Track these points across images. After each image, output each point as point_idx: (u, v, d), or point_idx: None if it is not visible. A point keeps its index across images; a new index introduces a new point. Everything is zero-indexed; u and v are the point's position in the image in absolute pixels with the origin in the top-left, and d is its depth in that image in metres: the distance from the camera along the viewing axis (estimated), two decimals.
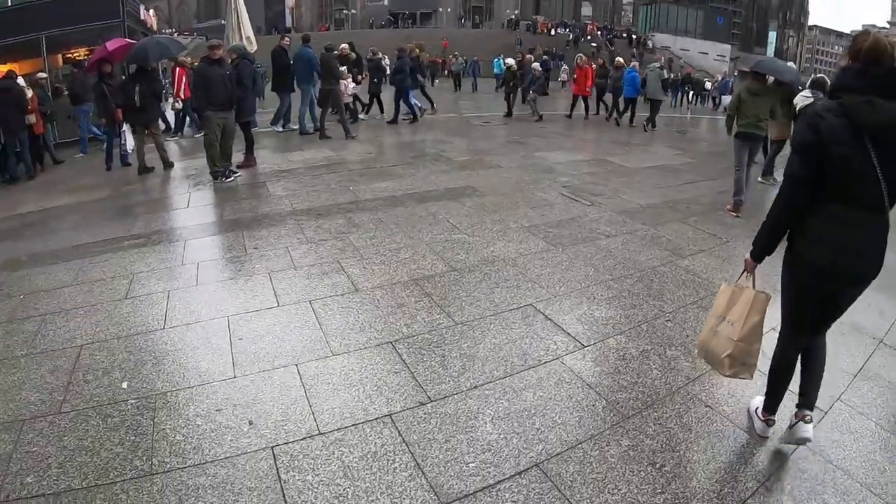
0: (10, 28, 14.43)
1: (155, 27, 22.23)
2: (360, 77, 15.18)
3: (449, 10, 74.56)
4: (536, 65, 17.02)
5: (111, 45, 11.05)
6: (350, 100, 14.39)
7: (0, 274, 5.50)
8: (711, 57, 54.56)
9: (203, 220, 6.93)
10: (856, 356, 3.96)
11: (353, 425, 2.96)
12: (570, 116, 17.05)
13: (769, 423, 3.06)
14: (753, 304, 2.86)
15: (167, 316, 4.24)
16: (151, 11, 21.74)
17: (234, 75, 9.04)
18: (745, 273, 2.95)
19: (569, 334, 3.93)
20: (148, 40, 11.53)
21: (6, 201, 9.27)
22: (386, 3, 74.64)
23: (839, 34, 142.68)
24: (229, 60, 9.39)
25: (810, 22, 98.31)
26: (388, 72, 18.11)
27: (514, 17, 66.53)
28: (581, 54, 18.55)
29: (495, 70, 32.02)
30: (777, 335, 2.99)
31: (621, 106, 16.73)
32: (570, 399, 3.24)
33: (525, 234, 5.92)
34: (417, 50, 14.11)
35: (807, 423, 2.81)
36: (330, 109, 12.52)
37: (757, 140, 7.73)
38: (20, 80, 11.41)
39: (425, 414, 3.06)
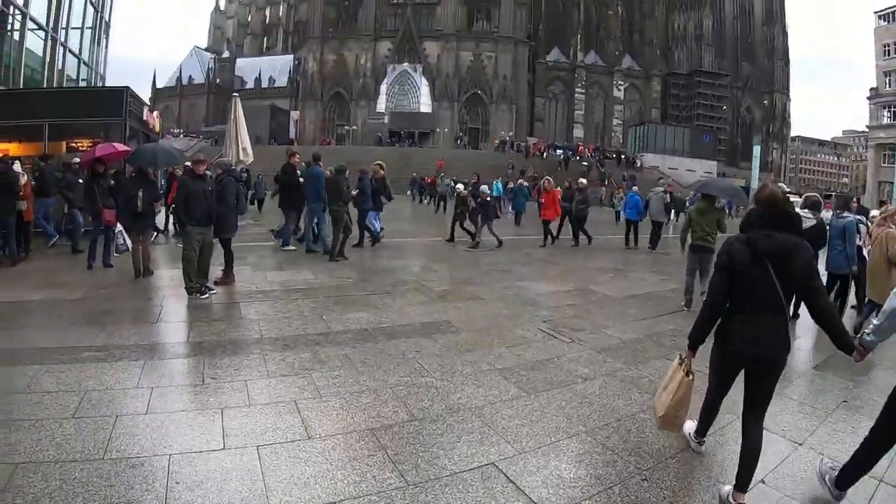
0: (16, 111, 15.28)
1: (157, 128, 22.87)
2: None
3: (446, 130, 77.20)
4: (485, 188, 16.56)
5: (100, 150, 11.49)
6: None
7: None
8: (699, 174, 56.30)
9: (168, 339, 6.76)
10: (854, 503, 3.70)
11: None
12: (544, 245, 16.50)
13: (701, 442, 4.31)
14: (681, 385, 3.98)
15: (109, 445, 4.00)
16: (155, 113, 22.41)
17: (216, 191, 9.08)
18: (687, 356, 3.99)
19: (531, 500, 3.59)
20: (156, 147, 12.01)
21: None
22: (386, 121, 77.22)
23: (821, 142, 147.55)
24: (214, 174, 9.50)
25: (792, 133, 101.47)
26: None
27: (507, 138, 68.52)
28: (548, 177, 18.36)
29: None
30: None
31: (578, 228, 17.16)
32: None
33: (497, 378, 5.61)
34: (381, 171, 14.06)
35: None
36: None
37: (706, 252, 9.11)
38: (16, 166, 11.65)
39: None
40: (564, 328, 7.64)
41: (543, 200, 16.96)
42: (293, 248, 13.38)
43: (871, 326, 3.65)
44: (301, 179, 13.31)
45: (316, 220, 13.36)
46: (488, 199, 15.64)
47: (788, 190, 11.97)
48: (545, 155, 58.38)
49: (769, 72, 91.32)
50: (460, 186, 17.32)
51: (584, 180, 18.64)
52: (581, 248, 16.52)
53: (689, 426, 4.34)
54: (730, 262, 3.59)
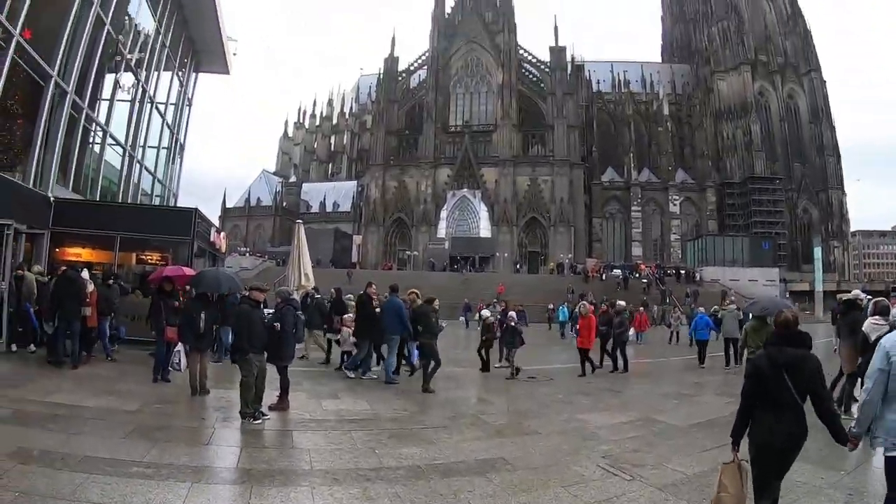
0: (91, 220, 16.52)
1: (223, 249, 23.78)
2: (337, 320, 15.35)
3: (506, 254, 77.75)
4: (512, 313, 16.19)
5: (169, 270, 12.54)
6: (351, 348, 14.33)
7: (8, 462, 5.73)
8: (761, 283, 55.31)
9: (217, 463, 6.81)
10: None
11: None
12: (583, 374, 15.20)
13: None
14: (722, 469, 4.77)
15: None
16: (222, 234, 23.47)
17: (277, 319, 9.54)
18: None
19: None
20: (218, 272, 12.77)
21: (45, 384, 10.19)
22: (447, 246, 78.04)
23: (882, 233, 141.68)
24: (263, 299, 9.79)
25: (852, 228, 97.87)
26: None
27: (566, 261, 68.48)
28: (584, 302, 17.90)
29: (561, 318, 32.48)
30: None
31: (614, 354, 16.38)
32: None
33: None
34: (417, 299, 13.99)
35: None
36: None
37: None
38: (84, 273, 12.79)
39: None
40: (625, 463, 7.29)
41: (579, 327, 16.25)
42: (352, 375, 13.40)
43: (854, 421, 4.42)
44: (378, 309, 13.47)
45: (388, 349, 13.37)
46: (513, 324, 15.28)
47: (863, 296, 11.66)
48: (604, 277, 57.67)
49: (821, 169, 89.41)
50: (486, 313, 17.01)
51: (622, 303, 18.32)
52: (644, 374, 16.10)
53: None
54: (755, 371, 4.67)
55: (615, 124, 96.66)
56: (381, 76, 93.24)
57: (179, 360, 11.53)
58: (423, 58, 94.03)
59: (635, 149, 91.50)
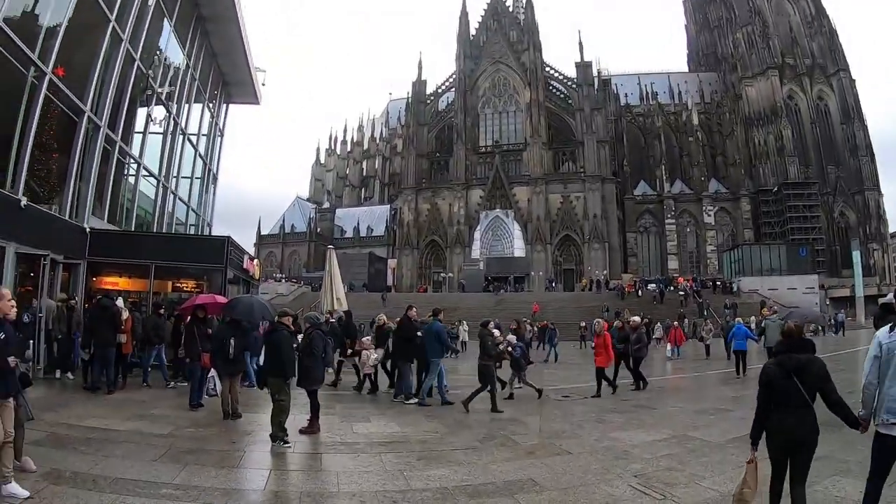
0: (127, 250, 17.23)
1: (257, 276, 24.04)
2: (347, 343, 15.39)
3: (541, 273, 76.97)
4: (512, 338, 15.92)
5: (202, 298, 12.75)
6: (371, 371, 14.41)
7: (41, 482, 5.93)
8: (800, 291, 53.53)
9: (246, 486, 6.91)
10: None
11: None
12: (597, 396, 14.62)
13: None
14: (746, 468, 5.28)
15: None
16: (255, 262, 23.84)
17: (305, 344, 9.84)
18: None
19: None
20: (252, 300, 12.71)
21: (80, 408, 10.51)
22: (482, 267, 77.53)
23: None
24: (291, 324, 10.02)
25: (891, 229, 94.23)
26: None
27: (602, 277, 67.62)
28: (599, 319, 17.49)
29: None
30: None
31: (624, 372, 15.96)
32: None
33: None
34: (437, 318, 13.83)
35: None
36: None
37: None
38: (119, 301, 13.45)
39: None
40: (657, 482, 7.12)
41: (595, 345, 15.47)
42: (412, 401, 13.21)
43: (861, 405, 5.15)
44: (419, 333, 13.44)
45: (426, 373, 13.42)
46: (510, 349, 14.90)
47: None
48: (640, 293, 56.22)
49: (856, 171, 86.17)
50: (496, 332, 16.71)
51: (637, 318, 17.82)
52: (680, 389, 15.90)
53: None
54: (767, 378, 5.25)
55: (645, 137, 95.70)
56: (410, 100, 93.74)
57: (215, 385, 11.74)
58: (451, 80, 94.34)
59: (666, 161, 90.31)
